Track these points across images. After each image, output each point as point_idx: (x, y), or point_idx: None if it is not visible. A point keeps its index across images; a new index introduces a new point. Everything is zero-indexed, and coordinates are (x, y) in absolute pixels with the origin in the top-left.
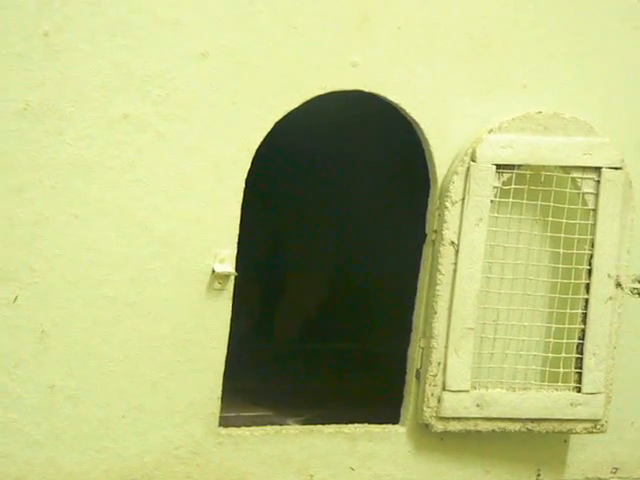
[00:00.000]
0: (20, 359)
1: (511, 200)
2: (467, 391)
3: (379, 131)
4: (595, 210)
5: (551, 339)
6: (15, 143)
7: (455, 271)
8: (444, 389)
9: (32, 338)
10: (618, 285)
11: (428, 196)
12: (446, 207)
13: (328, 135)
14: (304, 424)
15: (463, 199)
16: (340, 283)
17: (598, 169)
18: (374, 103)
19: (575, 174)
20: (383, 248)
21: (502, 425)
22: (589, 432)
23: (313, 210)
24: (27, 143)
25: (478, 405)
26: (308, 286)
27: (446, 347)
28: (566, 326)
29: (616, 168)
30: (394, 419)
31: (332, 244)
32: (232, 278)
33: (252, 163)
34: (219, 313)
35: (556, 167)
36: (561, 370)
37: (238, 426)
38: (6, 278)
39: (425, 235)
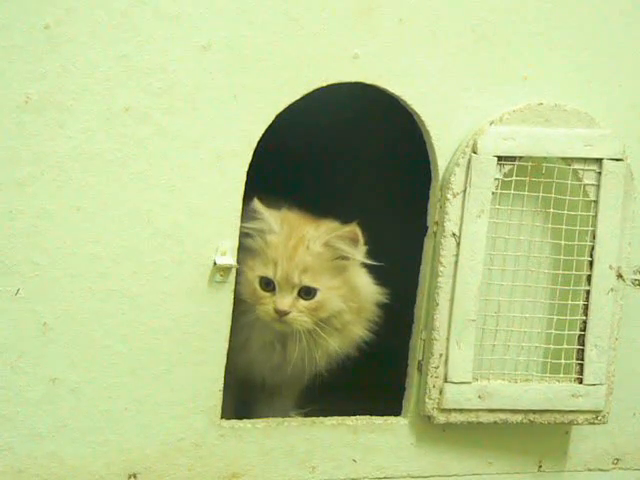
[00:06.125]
0: (22, 352)
1: (512, 192)
2: (469, 383)
3: (379, 124)
4: (596, 201)
5: (553, 330)
6: (16, 136)
7: (456, 263)
8: (446, 381)
9: (34, 331)
10: (619, 276)
11: (428, 189)
12: (447, 199)
13: (328, 129)
14: (306, 416)
15: (464, 191)
16: None
17: (599, 160)
18: (375, 96)
19: (576, 165)
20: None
21: (504, 416)
22: (590, 423)
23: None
24: (28, 136)
25: (480, 397)
26: None
27: (448, 339)
28: (567, 318)
29: (617, 159)
30: (396, 411)
31: None
32: (233, 270)
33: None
34: (220, 305)
35: (557, 159)
36: (563, 361)
37: (240, 418)
38: (8, 271)
39: (426, 228)
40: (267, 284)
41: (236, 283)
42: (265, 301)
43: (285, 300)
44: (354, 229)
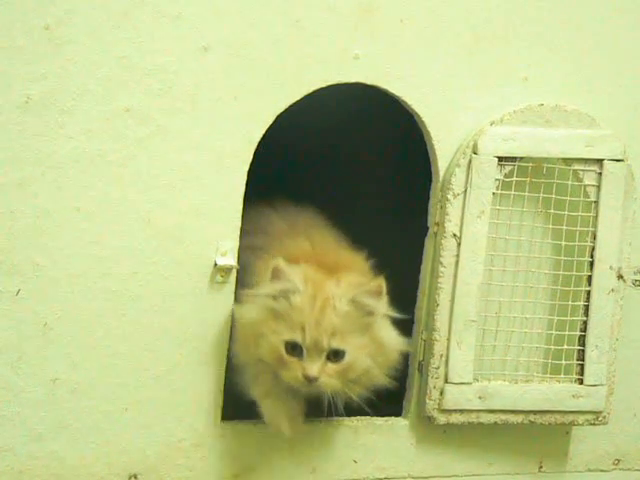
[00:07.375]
0: (23, 352)
1: (513, 192)
2: (469, 383)
3: (380, 125)
4: (597, 202)
5: (553, 331)
6: (17, 137)
7: (457, 264)
8: (446, 381)
9: (35, 331)
10: (620, 277)
11: (428, 190)
12: (448, 200)
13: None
14: (306, 417)
15: (465, 191)
16: None
17: (600, 161)
18: (376, 97)
19: (577, 166)
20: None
21: (504, 417)
22: (591, 424)
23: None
24: (29, 137)
25: (480, 397)
26: None
27: (448, 339)
28: (568, 318)
29: (618, 160)
30: (397, 412)
31: None
32: (234, 271)
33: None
34: (221, 306)
35: (558, 159)
36: (563, 362)
37: (241, 419)
38: (9, 271)
39: (427, 228)
40: (294, 348)
41: (259, 346)
42: (293, 366)
43: (315, 366)
44: (381, 283)
